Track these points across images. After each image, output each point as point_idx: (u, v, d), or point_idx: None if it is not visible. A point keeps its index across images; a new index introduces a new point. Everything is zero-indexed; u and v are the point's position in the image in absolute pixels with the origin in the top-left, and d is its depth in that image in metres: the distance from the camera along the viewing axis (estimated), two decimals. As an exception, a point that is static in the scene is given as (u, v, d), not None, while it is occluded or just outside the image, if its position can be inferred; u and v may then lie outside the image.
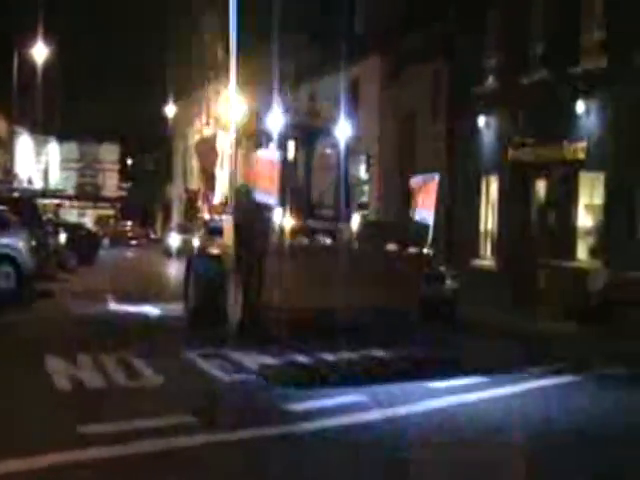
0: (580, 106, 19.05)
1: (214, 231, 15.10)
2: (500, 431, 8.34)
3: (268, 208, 12.47)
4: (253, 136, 15.03)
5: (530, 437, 8.25)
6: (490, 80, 23.38)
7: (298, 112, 18.62)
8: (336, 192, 15.28)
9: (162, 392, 9.42)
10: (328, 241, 12.84)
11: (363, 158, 29.10)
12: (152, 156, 77.57)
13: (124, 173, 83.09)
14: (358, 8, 35.45)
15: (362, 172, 29.84)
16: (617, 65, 17.92)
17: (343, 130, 15.01)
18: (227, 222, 14.34)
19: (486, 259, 23.54)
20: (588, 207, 19.40)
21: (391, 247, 13.22)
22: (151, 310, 17.15)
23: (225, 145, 15.83)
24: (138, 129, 71.30)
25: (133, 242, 61.79)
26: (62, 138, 70.53)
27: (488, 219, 23.71)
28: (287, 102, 24.64)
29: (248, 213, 13.46)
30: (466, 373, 10.78)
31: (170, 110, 47.49)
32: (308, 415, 8.41)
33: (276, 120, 14.26)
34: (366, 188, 30.28)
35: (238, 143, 14.76)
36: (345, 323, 11.81)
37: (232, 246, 13.56)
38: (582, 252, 19.30)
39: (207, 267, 14.49)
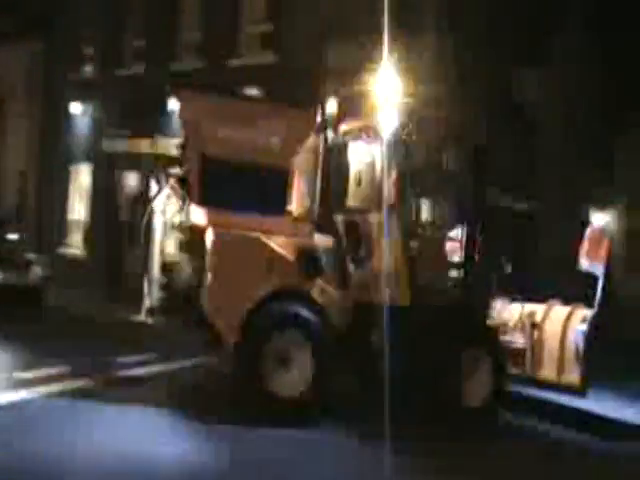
0: (173, 103, 19.69)
1: (315, 265, 9.25)
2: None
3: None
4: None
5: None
6: (89, 68, 23.39)
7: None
8: None
9: None
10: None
11: None
12: None
13: None
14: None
15: None
16: (214, 66, 18.60)
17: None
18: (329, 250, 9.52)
19: (75, 247, 23.46)
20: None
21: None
22: None
23: None
24: None
25: None
26: None
27: (78, 208, 23.62)
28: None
29: None
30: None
31: None
32: None
33: None
34: None
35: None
36: None
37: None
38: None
39: (319, 322, 8.95)
